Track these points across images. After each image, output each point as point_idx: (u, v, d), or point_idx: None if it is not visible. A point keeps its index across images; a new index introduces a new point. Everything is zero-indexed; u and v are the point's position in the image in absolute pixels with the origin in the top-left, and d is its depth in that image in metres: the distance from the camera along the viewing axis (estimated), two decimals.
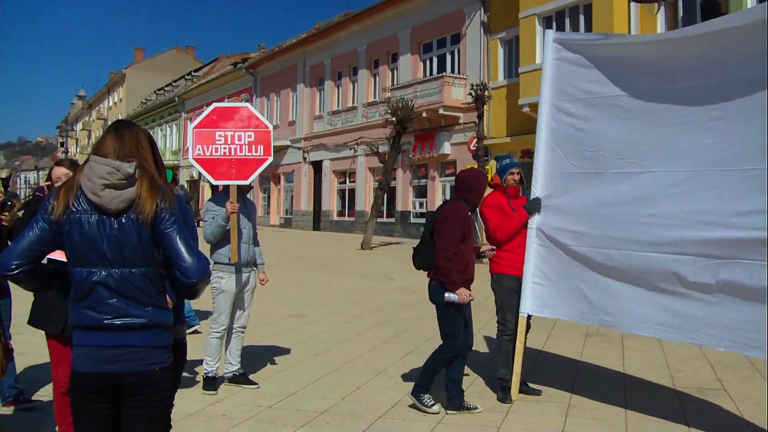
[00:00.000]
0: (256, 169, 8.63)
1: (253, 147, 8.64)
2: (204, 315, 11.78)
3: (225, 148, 8.60)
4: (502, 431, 6.96)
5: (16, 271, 3.65)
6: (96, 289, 3.67)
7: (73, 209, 3.68)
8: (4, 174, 7.57)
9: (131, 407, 3.76)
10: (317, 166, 47.20)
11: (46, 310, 6.03)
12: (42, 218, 3.71)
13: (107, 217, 3.68)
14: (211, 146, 8.59)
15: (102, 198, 3.65)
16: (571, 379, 8.90)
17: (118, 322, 3.67)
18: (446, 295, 7.37)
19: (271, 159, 8.72)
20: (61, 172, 6.11)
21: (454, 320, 7.50)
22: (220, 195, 8.63)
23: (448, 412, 7.46)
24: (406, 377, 9.01)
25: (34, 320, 6.14)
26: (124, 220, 3.68)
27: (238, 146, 8.61)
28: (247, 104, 9.39)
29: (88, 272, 3.67)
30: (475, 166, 27.61)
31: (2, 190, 5.74)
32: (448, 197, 35.02)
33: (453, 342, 7.50)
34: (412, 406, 7.53)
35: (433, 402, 7.48)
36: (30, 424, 7.01)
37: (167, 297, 3.86)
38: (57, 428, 6.20)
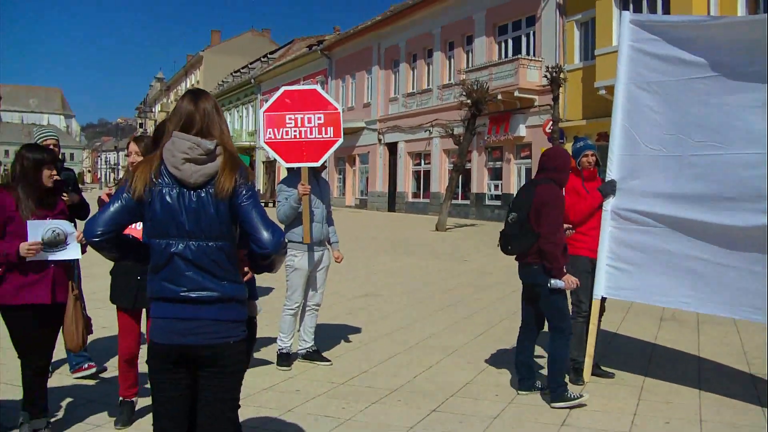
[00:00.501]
0: (327, 150, 8.72)
1: (323, 129, 8.73)
2: (279, 292, 11.95)
3: (295, 131, 8.71)
4: (574, 413, 6.97)
5: (99, 239, 3.80)
6: (174, 260, 3.80)
7: (156, 182, 3.81)
8: (50, 142, 7.57)
9: (206, 378, 3.88)
10: (392, 147, 47.29)
11: (120, 287, 6.37)
12: (126, 189, 3.85)
13: (187, 191, 3.81)
14: (281, 129, 8.71)
15: (182, 171, 3.79)
16: (644, 363, 8.85)
17: (194, 295, 3.79)
18: (552, 281, 7.30)
19: (341, 140, 8.80)
20: (132, 149, 6.33)
21: (563, 302, 7.38)
22: (292, 176, 8.76)
23: (520, 392, 7.48)
24: (477, 357, 9.06)
25: (111, 297, 6.45)
26: (203, 194, 3.80)
27: (308, 128, 8.71)
28: (317, 86, 9.49)
29: (167, 243, 3.80)
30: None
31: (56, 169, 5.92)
32: (522, 180, 34.90)
33: (567, 323, 7.36)
34: (558, 407, 7.11)
35: (576, 394, 7.24)
36: (98, 390, 7.21)
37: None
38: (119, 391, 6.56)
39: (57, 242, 5.76)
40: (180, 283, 3.80)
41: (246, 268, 4.17)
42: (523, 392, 7.48)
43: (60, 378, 7.52)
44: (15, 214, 5.76)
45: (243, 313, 3.96)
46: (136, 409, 6.59)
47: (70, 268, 6.15)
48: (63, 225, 5.83)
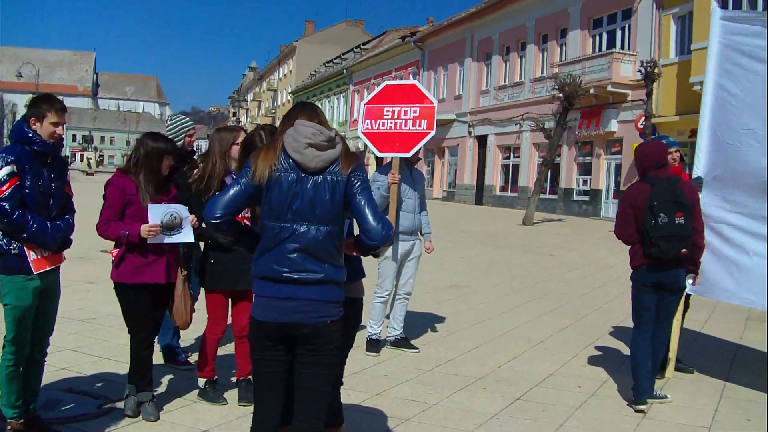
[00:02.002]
0: (419, 142, 8.97)
1: (418, 121, 9.00)
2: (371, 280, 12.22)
3: (391, 123, 9.03)
4: (655, 406, 7.11)
5: (219, 220, 4.08)
6: (283, 243, 4.05)
7: (276, 167, 4.06)
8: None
9: (304, 355, 4.12)
10: (482, 140, 47.27)
11: (227, 271, 6.62)
12: (246, 174, 4.11)
13: (305, 176, 4.05)
14: (378, 121, 9.05)
15: (304, 156, 4.04)
16: (728, 362, 8.91)
17: (296, 276, 4.03)
18: (690, 282, 7.36)
19: (432, 133, 9.04)
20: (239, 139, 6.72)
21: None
22: (386, 166, 9.04)
23: (638, 406, 7.10)
24: (561, 350, 9.24)
25: (210, 281, 6.74)
26: (320, 180, 4.05)
27: (404, 120, 9.01)
28: (416, 81, 9.75)
29: (281, 227, 4.05)
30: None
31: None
32: (612, 175, 34.64)
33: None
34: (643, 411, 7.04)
35: (661, 393, 7.33)
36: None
37: None
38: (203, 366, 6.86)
39: (174, 225, 6.11)
40: (284, 264, 4.03)
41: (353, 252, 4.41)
42: (642, 406, 7.03)
43: (160, 356, 7.91)
44: (135, 198, 6.12)
45: (340, 295, 4.16)
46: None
47: (178, 250, 6.49)
48: (179, 209, 6.17)
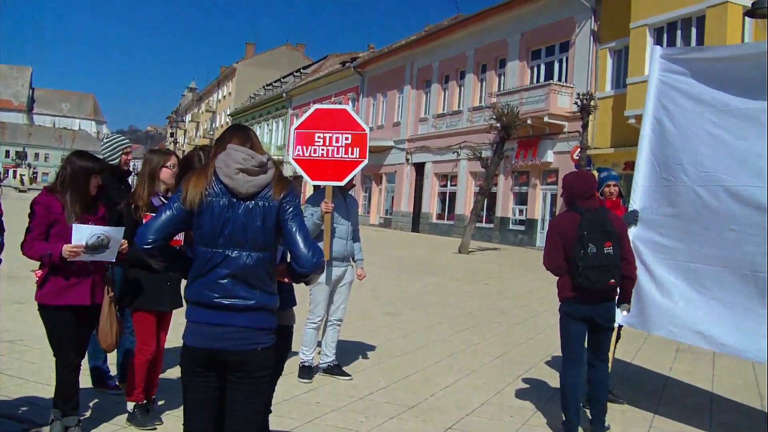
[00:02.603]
0: (352, 170, 8.97)
1: (350, 149, 8.99)
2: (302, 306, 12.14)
3: (323, 150, 8.98)
4: None
5: (151, 245, 4.02)
6: (215, 269, 4.00)
7: (207, 192, 4.02)
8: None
9: (234, 383, 4.07)
10: (419, 168, 47.51)
11: (154, 292, 6.61)
12: (177, 199, 4.06)
13: (237, 201, 4.02)
14: (310, 147, 9.00)
15: (235, 181, 4.01)
16: (658, 393, 8.98)
17: (227, 302, 3.99)
18: (623, 312, 7.40)
19: (365, 162, 9.04)
20: (174, 162, 6.74)
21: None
22: (318, 193, 9.00)
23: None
24: (493, 379, 9.22)
25: (138, 302, 6.68)
26: (251, 206, 4.03)
27: (336, 148, 8.98)
28: (346, 107, 9.73)
29: (213, 253, 4.01)
30: None
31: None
32: (548, 205, 35.01)
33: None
34: None
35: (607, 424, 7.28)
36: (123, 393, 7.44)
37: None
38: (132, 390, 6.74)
39: (100, 246, 5.99)
40: (215, 290, 3.99)
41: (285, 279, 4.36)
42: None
43: (87, 379, 7.74)
44: (61, 217, 5.99)
45: (272, 322, 4.13)
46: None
47: (105, 271, 6.36)
48: (108, 231, 6.03)
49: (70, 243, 5.86)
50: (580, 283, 6.80)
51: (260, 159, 4.06)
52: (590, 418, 7.17)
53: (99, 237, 5.94)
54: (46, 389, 7.24)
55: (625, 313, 7.62)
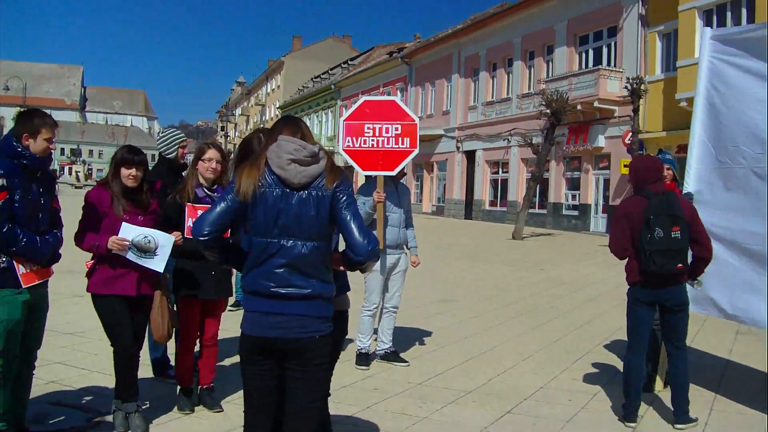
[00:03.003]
0: (402, 160, 8.99)
1: (400, 139, 9.01)
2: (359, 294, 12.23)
3: (373, 140, 9.00)
4: (645, 420, 7.13)
5: (207, 237, 4.07)
6: (271, 258, 4.04)
7: (260, 184, 4.05)
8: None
9: (292, 370, 4.11)
10: (470, 155, 47.38)
11: (195, 282, 6.79)
12: (231, 190, 4.11)
13: (290, 191, 4.05)
14: (359, 138, 9.03)
15: (287, 172, 4.03)
16: (718, 375, 8.91)
17: (284, 291, 4.03)
18: (694, 287, 7.31)
19: (416, 151, 9.06)
20: (214, 156, 6.86)
21: None
22: (370, 183, 9.06)
23: (627, 424, 7.14)
24: (551, 364, 9.24)
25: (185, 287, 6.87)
26: (305, 195, 4.04)
27: (386, 138, 9.00)
28: (395, 98, 9.75)
29: (268, 243, 4.04)
30: (629, 161, 27.34)
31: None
32: (600, 190, 34.76)
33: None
34: (681, 428, 6.94)
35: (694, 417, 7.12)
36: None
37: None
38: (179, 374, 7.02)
39: (146, 248, 6.09)
40: (271, 279, 4.04)
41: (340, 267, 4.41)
42: (631, 424, 7.03)
43: (149, 369, 7.91)
44: (110, 210, 6.15)
45: (329, 310, 4.16)
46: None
47: None
48: (159, 236, 6.16)
49: (115, 236, 6.03)
50: (647, 267, 6.77)
51: (311, 149, 4.08)
52: (673, 409, 7.08)
53: (146, 237, 6.07)
54: (108, 379, 7.38)
55: (697, 287, 7.50)
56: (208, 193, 6.77)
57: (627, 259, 7.07)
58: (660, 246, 6.69)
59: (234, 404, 6.91)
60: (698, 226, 7.02)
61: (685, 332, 7.12)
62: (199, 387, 7.00)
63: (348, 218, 4.05)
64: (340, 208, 4.06)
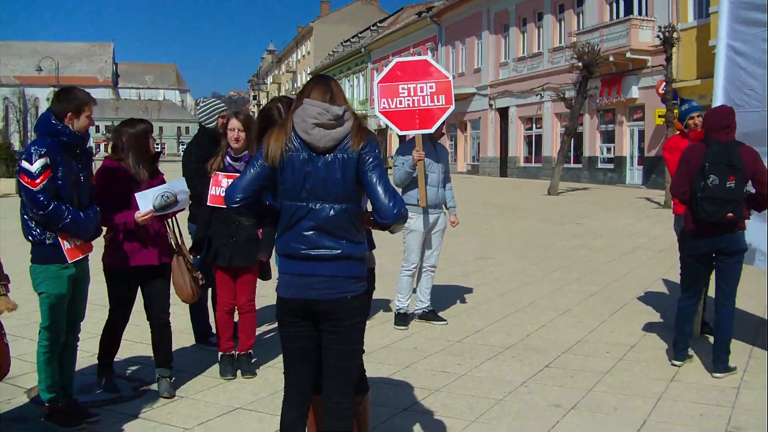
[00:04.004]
0: (439, 117, 8.96)
1: (435, 97, 8.96)
2: (397, 255, 12.30)
3: (408, 100, 8.97)
4: (683, 369, 7.18)
5: (239, 204, 4.13)
6: (300, 221, 4.08)
7: (287, 148, 4.08)
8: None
9: (327, 331, 4.15)
10: (503, 112, 47.13)
11: (217, 249, 6.93)
12: (260, 156, 4.15)
13: (316, 155, 4.06)
14: (395, 99, 9.00)
15: (312, 136, 4.04)
16: (756, 325, 8.90)
17: (314, 253, 4.06)
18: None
19: (452, 108, 9.02)
20: (235, 125, 6.92)
21: None
22: (408, 143, 9.08)
23: (675, 362, 7.31)
24: (588, 317, 9.30)
25: (208, 257, 7.04)
26: (330, 159, 4.04)
27: (421, 97, 8.96)
28: (427, 56, 9.72)
29: (297, 206, 4.07)
30: (663, 111, 27.10)
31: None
32: (636, 142, 34.52)
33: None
34: (720, 377, 6.97)
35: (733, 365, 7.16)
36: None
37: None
38: (219, 341, 7.20)
39: (168, 204, 6.29)
40: (301, 242, 4.07)
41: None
42: (679, 362, 7.27)
43: (191, 336, 8.08)
44: (129, 183, 6.31)
45: (361, 270, 4.18)
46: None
47: (166, 229, 6.65)
48: (169, 187, 6.35)
49: (139, 211, 6.19)
50: (697, 213, 6.84)
51: (335, 112, 4.06)
52: (712, 357, 7.12)
53: (164, 196, 6.23)
54: (151, 349, 7.66)
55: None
56: (231, 162, 6.88)
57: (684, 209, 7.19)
58: (711, 193, 6.72)
59: (276, 368, 7.03)
60: (761, 176, 6.90)
61: (736, 281, 7.14)
62: (238, 353, 7.15)
63: (374, 180, 4.04)
64: (366, 170, 4.05)
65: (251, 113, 7.48)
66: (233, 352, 7.13)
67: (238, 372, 7.04)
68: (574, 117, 31.56)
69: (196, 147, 7.77)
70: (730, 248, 6.97)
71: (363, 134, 4.11)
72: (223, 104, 8.12)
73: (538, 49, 43.72)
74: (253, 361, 7.19)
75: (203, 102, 8.14)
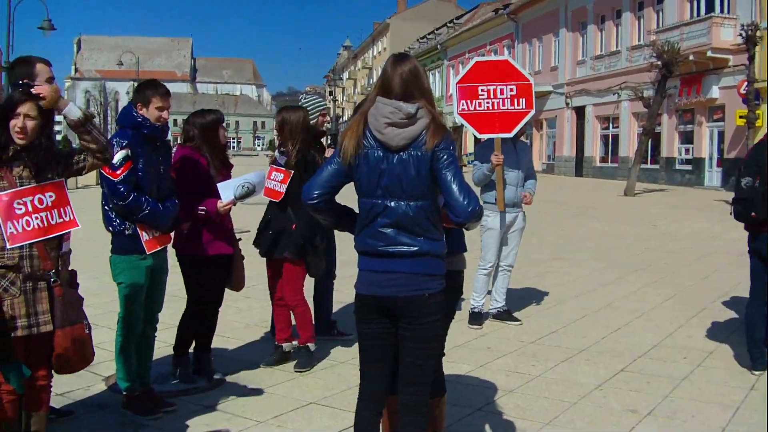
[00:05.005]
0: (519, 121, 8.86)
1: (515, 100, 8.85)
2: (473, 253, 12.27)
3: (488, 103, 8.86)
4: (763, 378, 7.01)
5: (317, 200, 4.16)
6: (376, 218, 4.08)
7: (363, 145, 4.08)
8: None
9: (404, 328, 4.13)
10: (580, 111, 46.67)
11: (261, 240, 7.21)
12: (338, 153, 4.16)
13: (390, 153, 4.04)
14: (474, 101, 8.90)
15: (385, 135, 4.02)
16: None
17: (391, 250, 4.04)
18: None
19: (533, 112, 8.92)
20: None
21: None
22: (486, 144, 9.03)
23: (755, 372, 7.10)
24: (664, 321, 9.16)
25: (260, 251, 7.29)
26: (404, 156, 4.02)
27: (501, 100, 8.84)
28: (508, 57, 9.64)
29: (373, 203, 4.07)
30: (745, 112, 26.57)
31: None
32: (715, 144, 33.93)
33: None
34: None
35: None
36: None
37: None
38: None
39: (248, 194, 6.49)
40: (378, 238, 4.06)
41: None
42: (758, 371, 7.05)
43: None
44: (207, 173, 6.49)
45: (439, 267, 4.13)
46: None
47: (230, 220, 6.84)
48: (249, 178, 6.52)
49: (221, 200, 6.38)
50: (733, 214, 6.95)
51: (407, 110, 4.01)
52: None
53: (244, 186, 6.42)
54: (227, 341, 7.98)
55: None
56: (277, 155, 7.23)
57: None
58: (742, 194, 6.82)
59: (349, 364, 7.09)
60: None
61: None
62: (297, 345, 7.31)
63: (448, 178, 3.98)
64: (440, 168, 4.00)
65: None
66: (283, 344, 7.33)
67: (314, 366, 7.19)
68: (652, 117, 31.14)
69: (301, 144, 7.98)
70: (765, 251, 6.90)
71: (438, 132, 4.04)
72: (324, 102, 8.23)
73: (617, 47, 43.20)
74: (312, 352, 7.30)
75: (306, 98, 8.23)
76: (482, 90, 8.85)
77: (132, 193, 5.56)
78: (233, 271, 6.77)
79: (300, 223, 6.92)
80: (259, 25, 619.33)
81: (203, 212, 6.34)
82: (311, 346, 7.25)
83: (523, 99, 8.84)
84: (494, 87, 8.85)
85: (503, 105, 8.81)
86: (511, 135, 8.81)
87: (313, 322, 7.85)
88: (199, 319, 6.72)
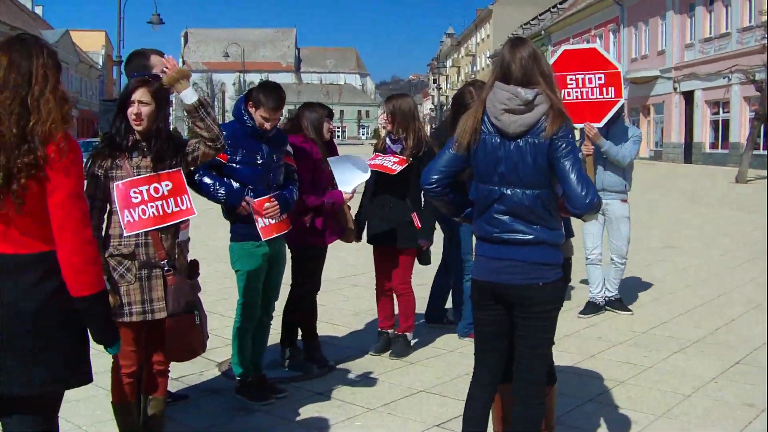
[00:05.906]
0: (608, 111, 8.68)
1: (604, 89, 8.67)
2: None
3: (577, 92, 8.69)
4: None
5: (435, 185, 4.18)
6: (493, 204, 4.06)
7: (482, 130, 4.07)
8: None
9: (518, 316, 4.12)
10: (688, 96, 45.51)
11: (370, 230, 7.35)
12: (455, 139, 4.17)
13: (507, 140, 4.01)
14: (563, 90, 8.76)
15: (502, 122, 3.99)
16: None
17: (505, 237, 4.03)
18: None
19: (622, 101, 8.72)
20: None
21: None
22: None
23: None
24: None
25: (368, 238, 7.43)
26: (521, 144, 3.98)
27: (590, 89, 8.66)
28: (595, 45, 9.46)
29: (489, 190, 4.06)
30: None
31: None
32: None
33: None
34: None
35: None
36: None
37: None
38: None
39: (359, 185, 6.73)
40: (494, 225, 4.06)
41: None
42: None
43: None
44: (320, 163, 6.61)
45: (555, 257, 4.10)
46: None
47: None
48: (361, 173, 6.69)
49: (345, 191, 6.58)
50: None
51: (525, 97, 3.96)
52: None
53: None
54: (336, 328, 8.20)
55: None
56: (390, 144, 7.25)
57: None
58: None
59: (459, 353, 7.15)
60: None
61: None
62: (396, 333, 7.39)
63: (567, 168, 3.93)
64: (558, 157, 3.94)
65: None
66: (388, 331, 7.41)
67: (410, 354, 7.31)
68: (765, 101, 30.18)
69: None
70: None
71: (558, 120, 3.99)
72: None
73: (726, 29, 41.91)
74: (412, 344, 7.43)
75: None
76: (571, 79, 8.69)
77: (204, 175, 5.59)
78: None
79: (422, 212, 7.05)
80: (361, 14, 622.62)
81: (330, 203, 6.53)
82: (409, 335, 7.37)
83: (612, 88, 8.64)
84: (583, 76, 8.69)
85: (592, 94, 8.64)
86: (601, 125, 8.63)
87: (426, 311, 7.93)
88: (302, 306, 6.91)
